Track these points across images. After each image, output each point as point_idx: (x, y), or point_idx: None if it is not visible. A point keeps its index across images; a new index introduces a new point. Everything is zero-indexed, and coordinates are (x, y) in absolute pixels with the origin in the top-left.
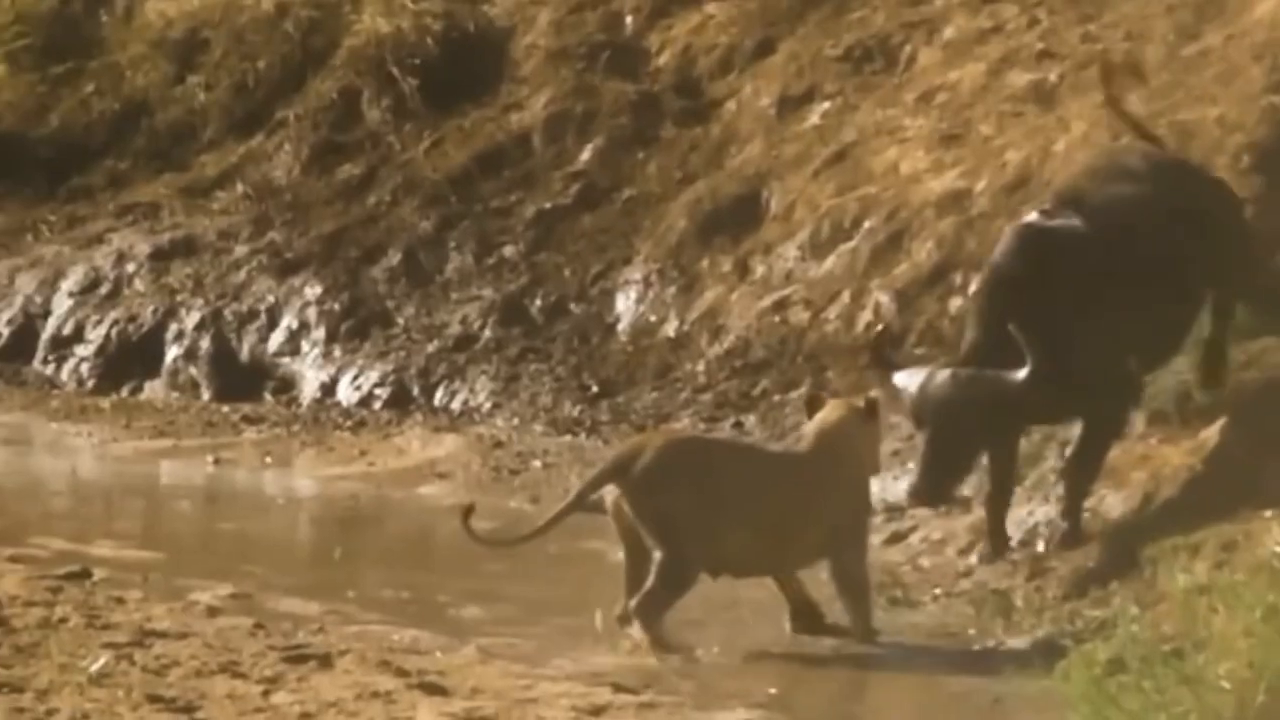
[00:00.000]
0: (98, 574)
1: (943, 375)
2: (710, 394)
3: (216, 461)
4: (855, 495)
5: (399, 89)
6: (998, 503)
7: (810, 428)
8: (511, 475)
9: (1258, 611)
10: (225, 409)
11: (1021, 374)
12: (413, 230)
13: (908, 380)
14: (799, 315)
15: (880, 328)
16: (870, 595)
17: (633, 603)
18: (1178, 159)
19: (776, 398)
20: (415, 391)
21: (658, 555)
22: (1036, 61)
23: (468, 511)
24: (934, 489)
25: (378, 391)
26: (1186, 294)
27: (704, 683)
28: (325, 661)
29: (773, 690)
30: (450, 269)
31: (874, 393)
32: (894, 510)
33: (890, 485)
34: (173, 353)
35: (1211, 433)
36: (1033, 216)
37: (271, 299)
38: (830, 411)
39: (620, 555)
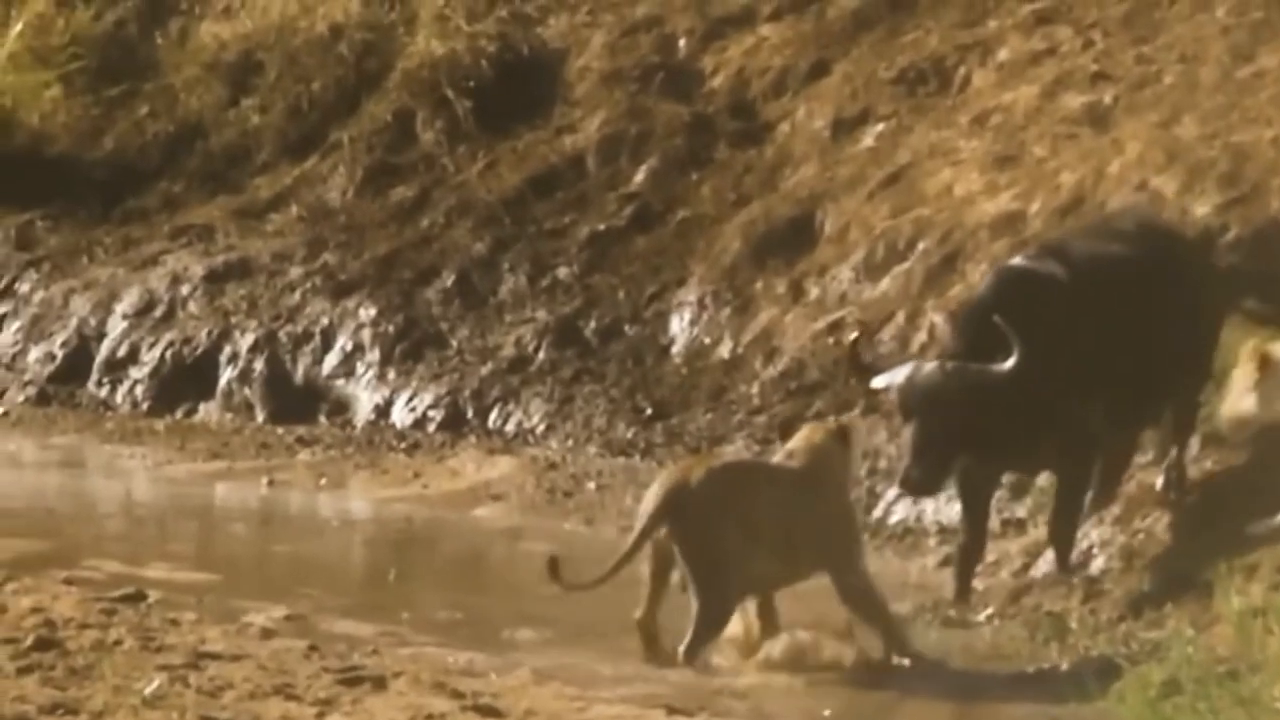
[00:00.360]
0: (152, 596)
1: (930, 367)
2: (764, 416)
3: (271, 483)
4: (842, 512)
5: (453, 111)
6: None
7: (797, 445)
8: (566, 497)
9: None
10: (280, 431)
11: (1007, 366)
12: (466, 252)
13: (893, 375)
14: (873, 357)
15: (857, 333)
16: (888, 609)
17: (681, 651)
18: (1169, 226)
19: (831, 420)
20: (469, 413)
21: (698, 593)
22: (1091, 83)
23: (554, 564)
24: (924, 478)
25: (432, 413)
26: (1159, 357)
27: (758, 704)
28: (380, 684)
29: (827, 712)
30: (504, 291)
31: (847, 419)
32: (947, 532)
33: (943, 508)
34: (227, 375)
35: (1266, 454)
36: (1018, 259)
37: (326, 321)
38: (812, 432)
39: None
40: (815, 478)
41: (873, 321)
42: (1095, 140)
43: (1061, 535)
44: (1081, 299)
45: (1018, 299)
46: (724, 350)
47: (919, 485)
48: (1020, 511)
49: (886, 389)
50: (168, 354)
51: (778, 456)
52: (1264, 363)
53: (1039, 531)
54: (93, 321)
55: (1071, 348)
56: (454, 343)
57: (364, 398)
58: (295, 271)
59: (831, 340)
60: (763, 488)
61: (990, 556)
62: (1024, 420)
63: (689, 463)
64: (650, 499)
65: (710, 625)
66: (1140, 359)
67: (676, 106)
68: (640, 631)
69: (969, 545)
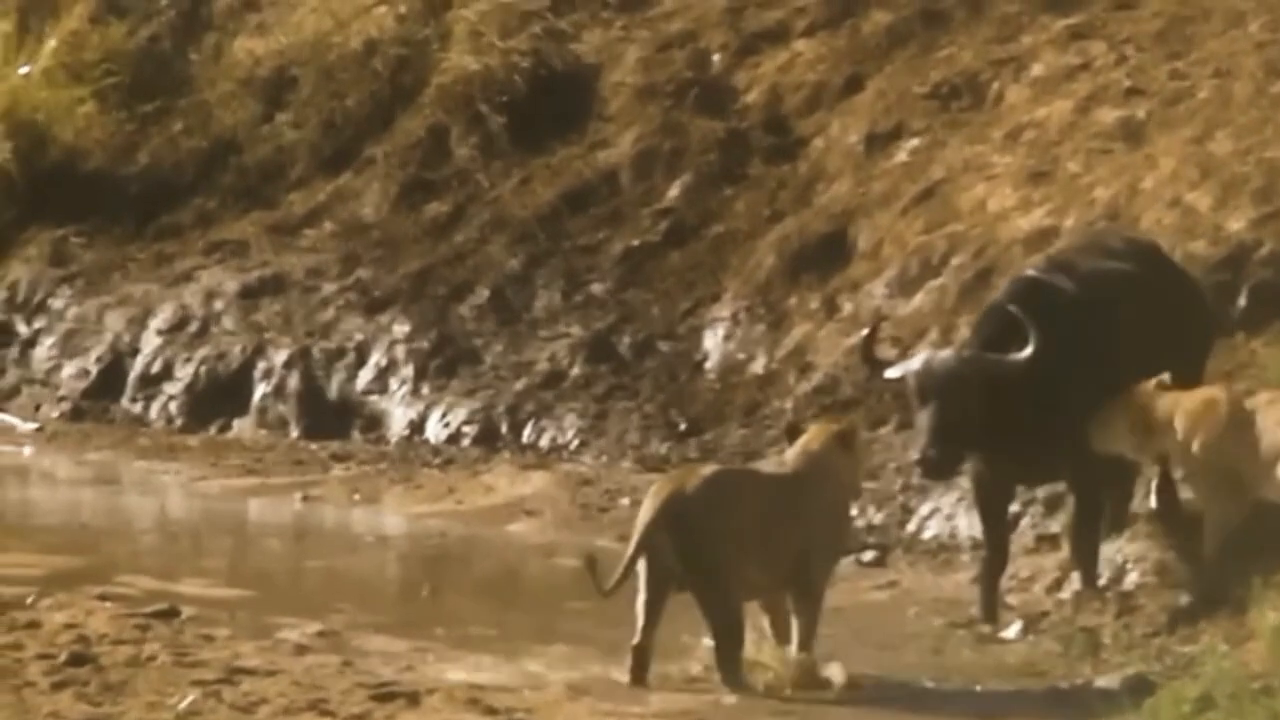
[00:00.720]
0: (186, 612)
1: (946, 353)
2: None
3: (305, 499)
4: (834, 518)
5: (487, 127)
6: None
7: (794, 450)
8: (600, 513)
9: None
10: (314, 447)
11: (1024, 354)
12: (500, 268)
13: (909, 363)
14: (887, 353)
15: (871, 328)
16: (816, 627)
17: (718, 677)
18: (1152, 243)
19: (864, 435)
20: (503, 429)
21: (702, 603)
22: (1124, 99)
23: (592, 561)
24: (941, 460)
25: (466, 429)
26: (1155, 371)
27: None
28: (413, 699)
29: None
30: (538, 306)
31: (850, 422)
32: (980, 548)
33: (977, 523)
34: (261, 390)
35: None
36: (1030, 271)
37: (360, 337)
38: (812, 436)
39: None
40: (806, 482)
41: (906, 337)
42: (1129, 155)
43: (1084, 551)
44: (1088, 311)
45: (1031, 306)
46: (758, 365)
47: (936, 467)
48: (1054, 527)
49: (902, 377)
50: (202, 370)
51: (776, 460)
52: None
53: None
54: (127, 337)
55: (1078, 356)
56: (488, 358)
57: (398, 413)
58: (329, 287)
59: None
60: (750, 495)
61: (1024, 572)
62: (1035, 420)
63: (682, 472)
64: (646, 509)
65: (728, 636)
66: (1140, 372)
67: (710, 122)
68: (634, 656)
69: (991, 561)
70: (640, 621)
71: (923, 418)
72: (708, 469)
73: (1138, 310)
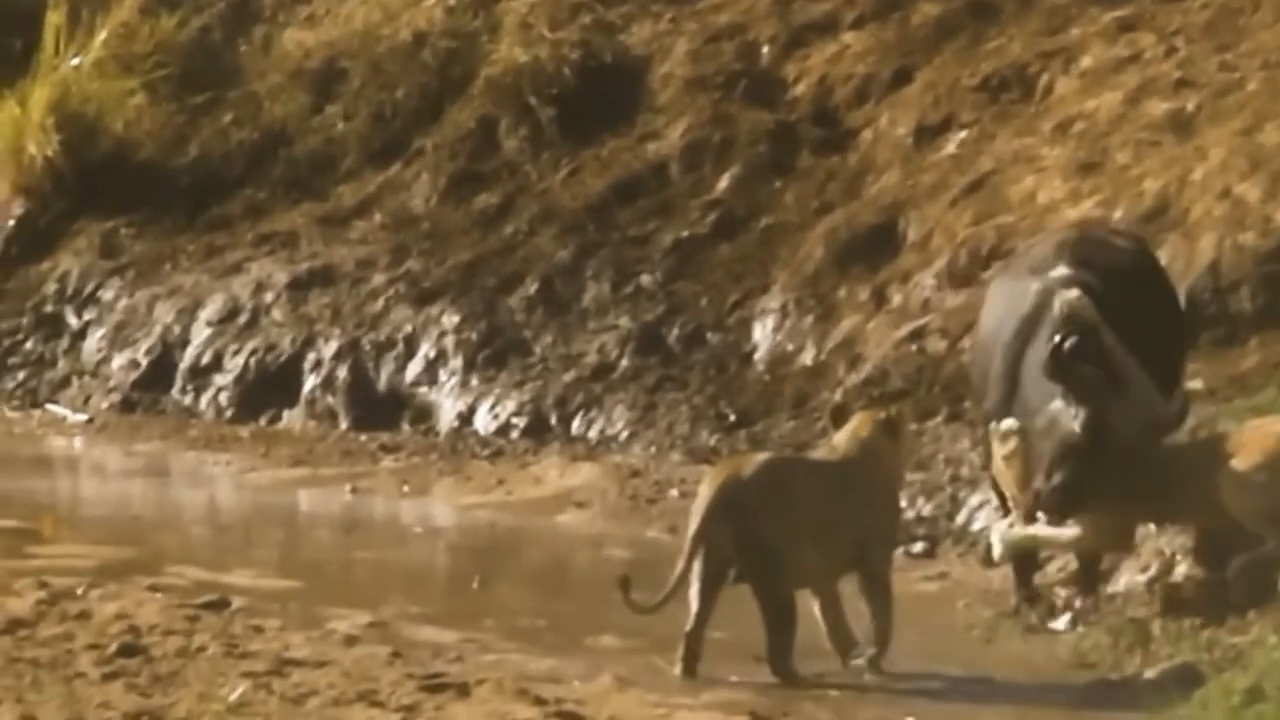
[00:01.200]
0: (236, 603)
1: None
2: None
3: (354, 490)
4: (886, 505)
5: (536, 118)
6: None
7: (843, 436)
8: (649, 504)
9: None
10: (363, 438)
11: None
12: (550, 259)
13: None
14: (936, 344)
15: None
16: (892, 616)
17: (770, 666)
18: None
19: (913, 427)
20: (552, 420)
21: (757, 589)
22: (1174, 90)
23: (625, 582)
24: (1065, 501)
25: (515, 420)
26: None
27: (840, 710)
28: (463, 690)
29: (909, 718)
30: (587, 298)
31: (897, 409)
32: None
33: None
34: (311, 382)
35: None
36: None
37: (409, 328)
38: (861, 422)
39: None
40: (857, 469)
41: (955, 329)
42: (1178, 147)
43: None
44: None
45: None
46: (807, 357)
47: (1064, 506)
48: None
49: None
50: (251, 361)
51: (824, 447)
52: None
53: None
54: (177, 329)
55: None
56: (537, 350)
57: (447, 405)
58: (379, 279)
59: (914, 348)
60: (804, 481)
61: (1074, 564)
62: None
63: (735, 460)
64: (702, 498)
65: (781, 623)
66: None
67: (759, 114)
68: (687, 644)
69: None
70: (694, 609)
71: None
72: (761, 456)
73: (1142, 307)
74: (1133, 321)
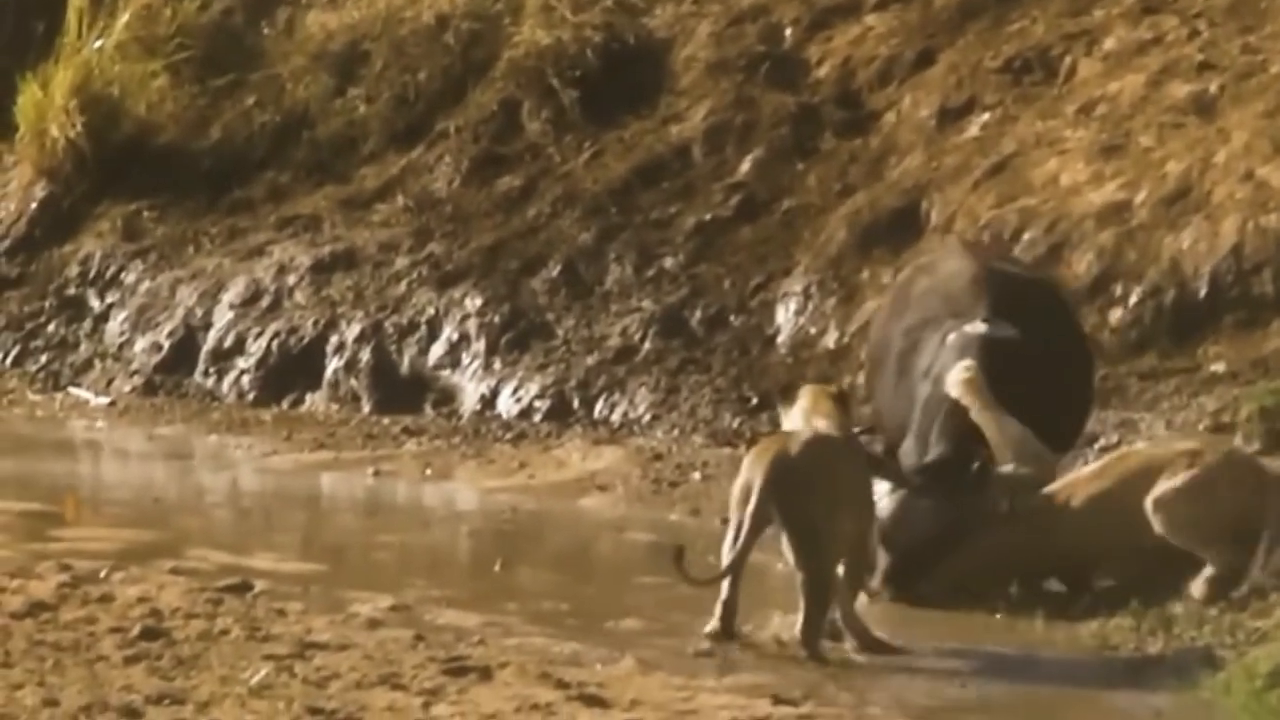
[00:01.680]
0: (258, 586)
1: None
2: (870, 406)
3: (377, 474)
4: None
5: (559, 101)
6: None
7: (822, 413)
8: (671, 488)
9: None
10: (385, 421)
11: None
12: (572, 242)
13: None
14: None
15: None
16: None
17: (799, 639)
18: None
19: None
20: (575, 404)
21: (802, 564)
22: (1197, 73)
23: (680, 554)
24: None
25: (538, 404)
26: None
27: (863, 693)
28: (485, 674)
29: (932, 702)
30: (610, 281)
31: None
32: None
33: None
34: (333, 365)
35: None
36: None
37: (431, 311)
38: (818, 399)
39: (779, 567)
40: (855, 442)
41: None
42: (1201, 130)
43: None
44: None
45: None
46: (829, 340)
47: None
48: None
49: None
50: (274, 344)
51: (795, 420)
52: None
53: None
54: (199, 312)
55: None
56: (560, 333)
57: (470, 388)
58: (401, 262)
59: None
60: (839, 457)
61: None
62: None
63: (778, 438)
64: (754, 479)
65: (821, 599)
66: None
67: (782, 96)
68: (724, 611)
69: None
70: (733, 579)
71: None
72: (799, 434)
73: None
74: (1042, 367)
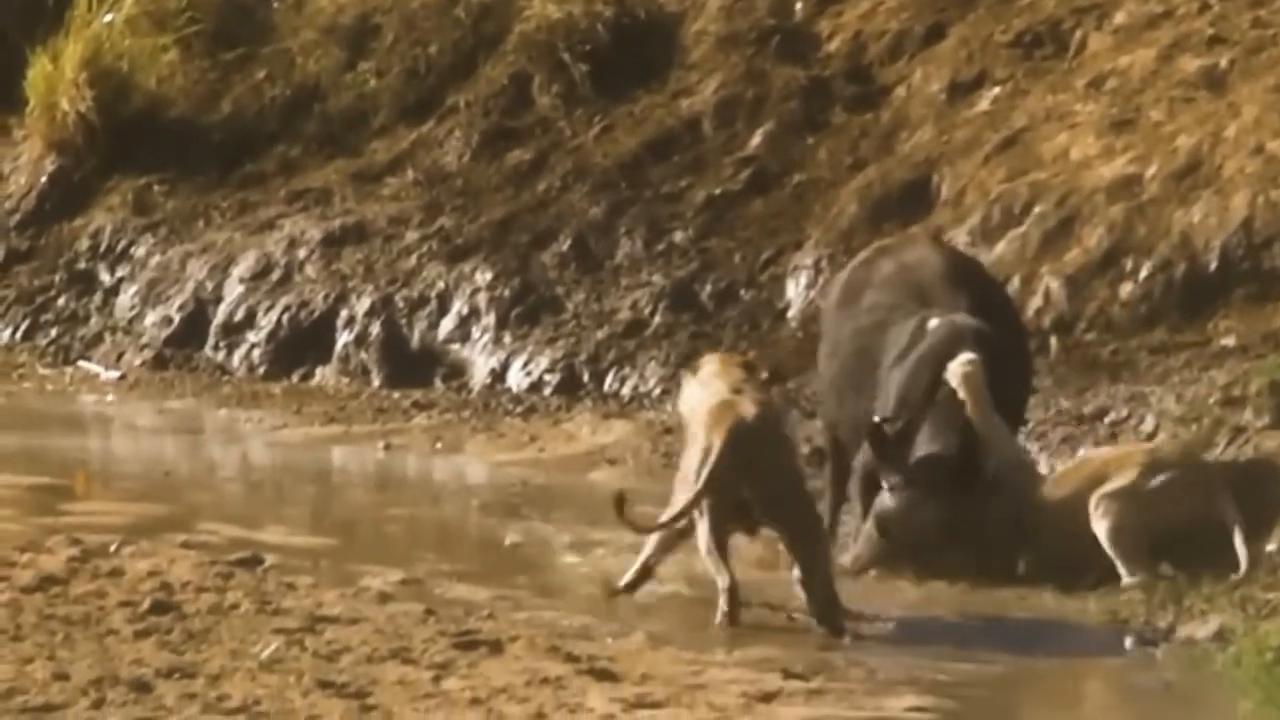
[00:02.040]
0: (269, 560)
1: None
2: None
3: (387, 447)
4: None
5: (570, 75)
6: None
7: (738, 381)
8: None
9: None
10: (396, 395)
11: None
12: (583, 216)
13: None
14: None
15: None
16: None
17: (817, 622)
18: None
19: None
20: (585, 377)
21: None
22: (1207, 47)
23: (621, 499)
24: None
25: (548, 377)
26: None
27: (874, 669)
28: (496, 647)
29: (942, 676)
30: (620, 254)
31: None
32: None
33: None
34: (343, 339)
35: None
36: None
37: (442, 285)
38: (728, 366)
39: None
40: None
41: None
42: (1212, 104)
43: None
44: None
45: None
46: None
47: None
48: None
49: None
50: (284, 318)
51: (706, 387)
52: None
53: None
54: (209, 285)
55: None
56: (570, 306)
57: (480, 361)
58: (412, 235)
59: None
60: (785, 421)
61: None
62: None
63: (727, 405)
64: (711, 446)
65: (823, 570)
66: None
67: (793, 70)
68: (729, 598)
69: None
70: (721, 563)
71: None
72: (749, 399)
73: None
74: (1002, 356)
